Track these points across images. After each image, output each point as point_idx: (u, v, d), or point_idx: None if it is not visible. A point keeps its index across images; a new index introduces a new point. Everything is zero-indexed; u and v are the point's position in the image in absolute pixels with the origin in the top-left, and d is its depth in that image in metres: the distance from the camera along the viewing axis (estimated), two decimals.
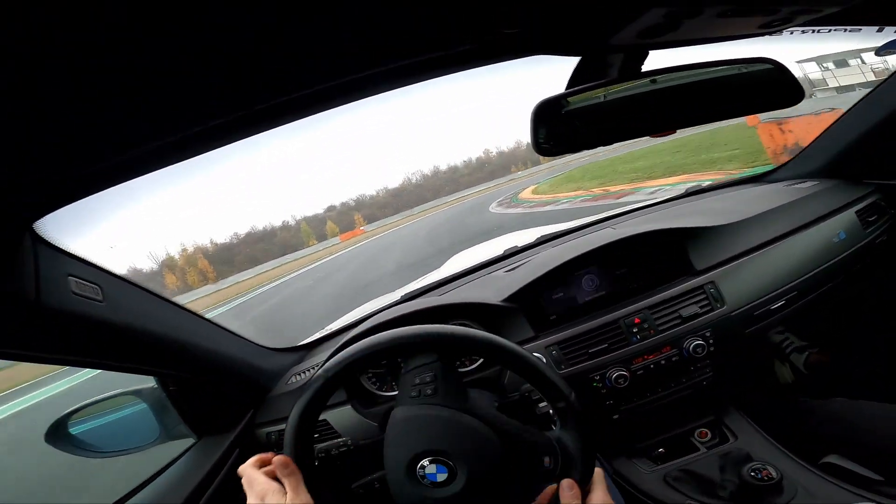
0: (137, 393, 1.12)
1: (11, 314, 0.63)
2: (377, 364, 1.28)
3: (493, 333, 0.76)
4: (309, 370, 1.30)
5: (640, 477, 1.15)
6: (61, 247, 0.71)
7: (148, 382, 1.12)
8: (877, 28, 0.84)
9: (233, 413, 1.22)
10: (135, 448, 1.13)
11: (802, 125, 6.97)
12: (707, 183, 1.97)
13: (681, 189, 1.90)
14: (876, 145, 1.37)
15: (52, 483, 4.18)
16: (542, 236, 1.74)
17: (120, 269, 0.84)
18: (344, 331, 1.50)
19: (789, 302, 1.22)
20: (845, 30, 0.81)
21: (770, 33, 0.68)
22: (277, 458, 0.70)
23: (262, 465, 0.72)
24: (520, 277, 1.33)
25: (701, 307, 1.19)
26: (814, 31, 0.81)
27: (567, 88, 0.74)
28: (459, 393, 0.76)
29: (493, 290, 1.35)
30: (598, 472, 0.73)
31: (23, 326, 0.66)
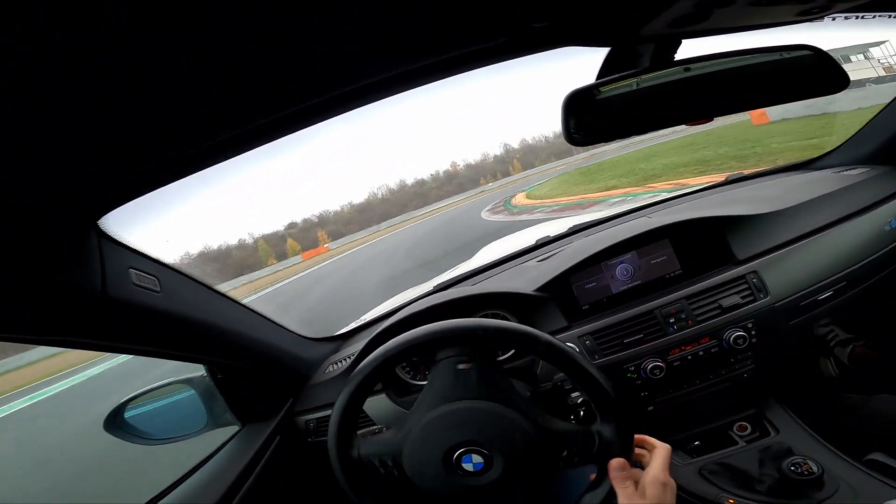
0: (189, 381, 1.20)
1: (81, 306, 0.69)
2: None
3: (526, 323, 0.78)
4: (345, 359, 1.36)
5: (675, 470, 1.13)
6: (122, 241, 0.77)
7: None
8: None
9: (274, 401, 1.29)
10: (184, 435, 1.20)
11: None
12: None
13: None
14: None
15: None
16: (574, 226, 1.75)
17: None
18: (379, 320, 1.55)
19: (837, 293, 1.19)
20: (889, 16, 0.78)
21: (809, 20, 0.67)
22: None
23: None
24: (553, 267, 1.34)
25: (743, 297, 1.17)
26: (857, 17, 0.78)
27: (596, 79, 0.76)
28: (496, 384, 0.79)
29: (526, 279, 1.37)
30: (661, 446, 0.75)
31: (91, 317, 0.72)
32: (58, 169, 0.55)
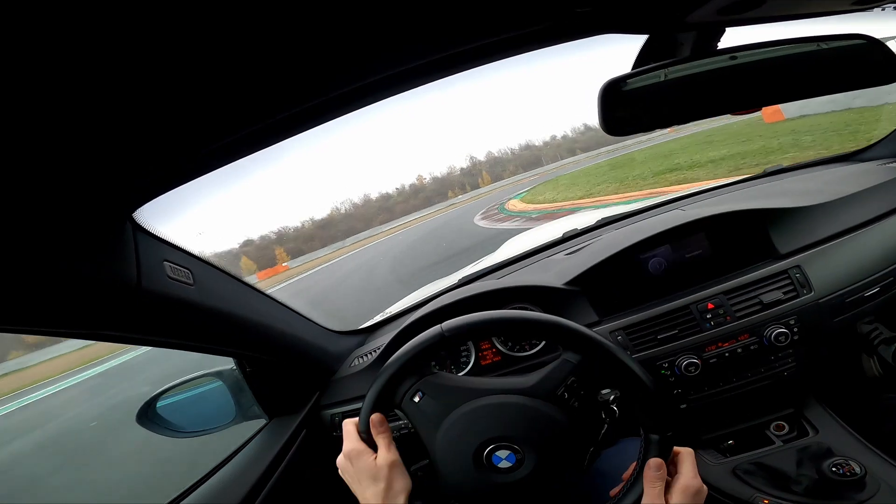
0: (219, 374, 1.22)
1: (117, 298, 0.70)
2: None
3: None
4: (370, 353, 1.37)
5: (707, 469, 1.13)
6: (156, 233, 0.78)
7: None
8: None
9: (301, 394, 1.31)
10: (214, 428, 1.23)
11: None
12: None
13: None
14: None
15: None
16: (602, 219, 1.73)
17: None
18: (403, 314, 1.56)
19: (884, 289, 1.16)
20: None
21: (865, 10, 0.65)
22: (374, 416, 0.78)
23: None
24: (583, 260, 1.33)
25: (785, 293, 1.15)
26: None
27: (634, 68, 0.75)
28: (524, 378, 0.79)
29: (554, 273, 1.36)
30: (686, 451, 0.74)
31: (126, 309, 0.73)
32: (95, 163, 0.56)
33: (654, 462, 0.71)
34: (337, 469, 0.81)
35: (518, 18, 0.62)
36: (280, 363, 1.21)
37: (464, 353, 1.34)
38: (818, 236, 1.22)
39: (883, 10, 0.74)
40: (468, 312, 0.82)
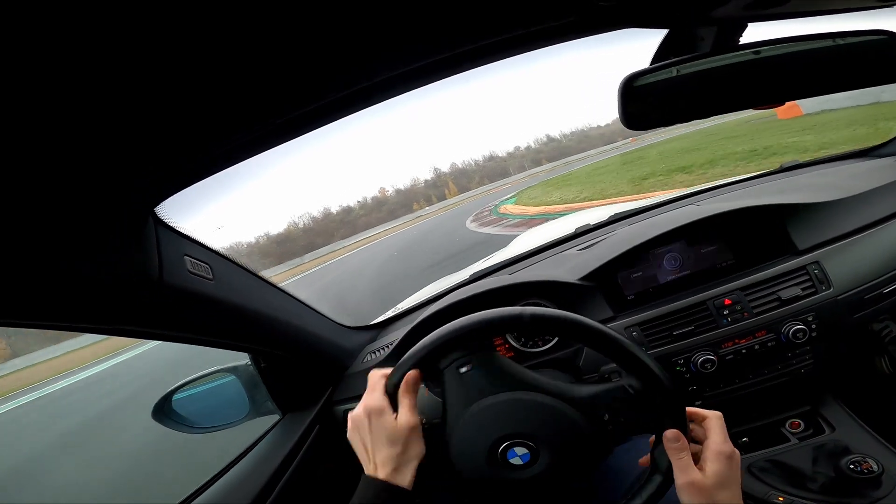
0: (234, 370, 1.23)
1: (140, 292, 0.71)
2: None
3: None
4: (383, 349, 1.38)
5: None
6: (176, 227, 0.79)
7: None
8: None
9: (314, 390, 1.33)
10: (227, 424, 1.24)
11: None
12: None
13: None
14: None
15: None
16: (615, 214, 1.73)
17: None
18: (414, 310, 1.57)
19: None
20: None
21: (889, 5, 0.66)
22: (412, 373, 0.74)
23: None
24: (597, 255, 1.34)
25: (803, 289, 1.15)
26: None
27: (652, 63, 0.75)
28: (538, 374, 0.79)
29: (568, 268, 1.37)
30: (714, 414, 0.71)
31: (148, 304, 0.75)
32: (119, 159, 0.58)
33: (670, 434, 0.68)
34: (348, 465, 0.80)
35: (542, 13, 0.63)
36: (295, 358, 1.23)
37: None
38: (837, 232, 1.22)
39: None
40: (484, 308, 0.81)
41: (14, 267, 0.54)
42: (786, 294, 1.15)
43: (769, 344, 1.14)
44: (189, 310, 0.83)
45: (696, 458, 0.68)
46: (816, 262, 1.18)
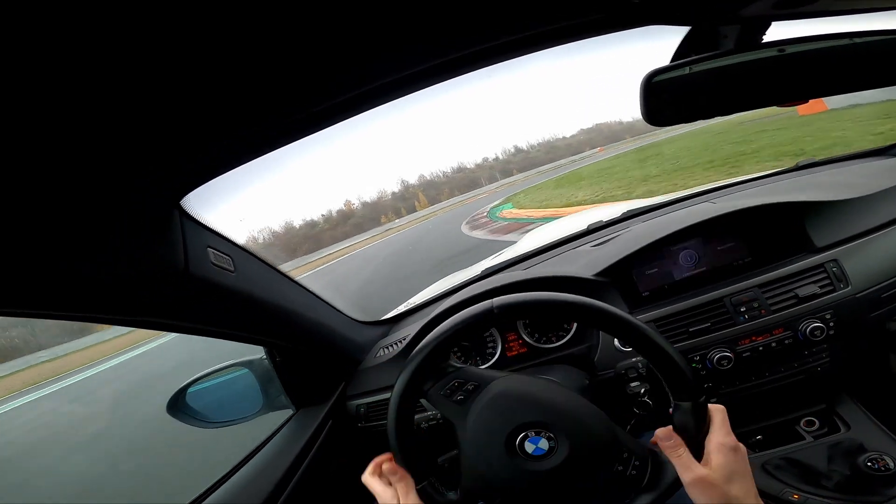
0: (249, 364, 1.25)
1: (167, 283, 0.73)
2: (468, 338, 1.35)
3: None
4: (395, 344, 1.39)
5: None
6: (200, 220, 0.81)
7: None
8: None
9: (327, 385, 1.34)
10: (242, 418, 1.26)
11: None
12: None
13: None
14: None
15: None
16: (629, 210, 1.74)
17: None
18: (427, 305, 1.59)
19: None
20: None
21: None
22: (387, 467, 0.80)
23: (378, 469, 0.82)
24: (612, 251, 1.35)
25: (821, 287, 1.16)
26: None
27: (673, 60, 0.76)
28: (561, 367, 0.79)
29: (582, 264, 1.37)
30: (715, 408, 0.71)
31: (175, 294, 0.76)
32: (146, 152, 0.59)
33: (661, 432, 0.70)
34: (361, 460, 0.83)
35: (573, 8, 0.64)
36: (310, 352, 1.24)
37: (490, 345, 1.37)
38: (855, 230, 1.22)
39: None
40: None
41: (46, 260, 0.55)
42: (803, 292, 1.16)
43: (786, 341, 1.15)
44: (211, 301, 0.85)
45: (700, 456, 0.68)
46: (835, 260, 1.18)
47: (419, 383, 0.80)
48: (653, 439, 0.74)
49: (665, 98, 0.76)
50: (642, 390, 1.13)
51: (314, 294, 1.21)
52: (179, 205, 0.75)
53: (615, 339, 1.21)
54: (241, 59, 0.49)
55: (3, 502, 5.26)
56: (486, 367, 1.33)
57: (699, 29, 0.76)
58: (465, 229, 16.58)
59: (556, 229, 2.18)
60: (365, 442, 1.32)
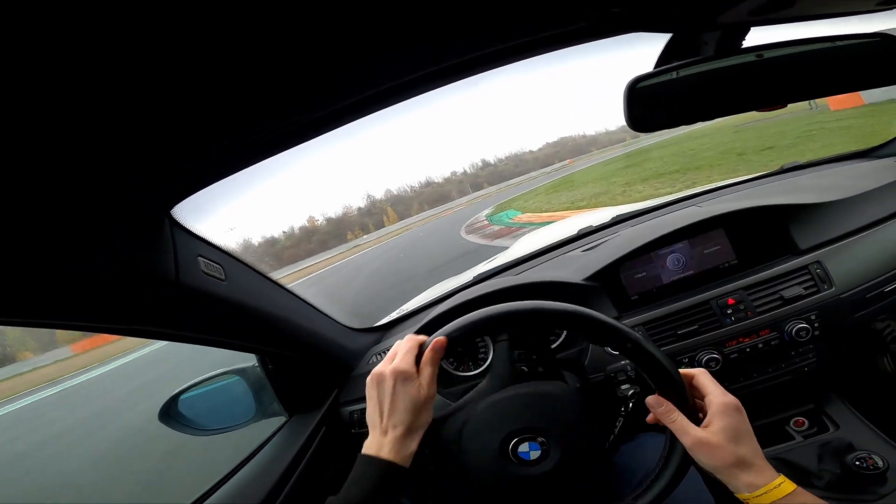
0: (241, 371, 1.25)
1: (157, 293, 0.73)
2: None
3: None
4: (388, 350, 1.39)
5: None
6: (190, 229, 0.81)
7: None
8: None
9: (320, 392, 1.34)
10: (235, 426, 1.25)
11: None
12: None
13: None
14: None
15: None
16: (617, 216, 1.76)
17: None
18: (419, 311, 1.59)
19: None
20: None
21: (889, 8, 0.69)
22: (442, 340, 0.74)
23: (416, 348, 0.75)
24: (601, 256, 1.36)
25: (805, 288, 1.18)
26: None
27: (656, 67, 0.78)
28: (555, 370, 0.81)
29: (572, 269, 1.38)
30: (698, 371, 0.72)
31: (165, 303, 0.77)
32: (136, 163, 0.60)
33: (651, 399, 0.70)
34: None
35: (555, 18, 0.65)
36: (302, 360, 1.24)
37: (482, 350, 1.38)
38: (838, 232, 1.24)
39: None
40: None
41: (35, 268, 0.56)
42: (788, 293, 1.17)
43: (773, 343, 1.16)
44: (202, 310, 0.85)
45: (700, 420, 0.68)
46: (818, 262, 1.20)
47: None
48: (648, 418, 0.73)
49: (649, 104, 0.78)
50: (630, 392, 1.14)
51: (306, 302, 1.22)
52: (170, 214, 0.76)
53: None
54: (227, 72, 0.50)
55: None
56: (478, 372, 1.36)
57: (681, 36, 0.77)
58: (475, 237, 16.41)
59: (548, 234, 2.21)
60: (359, 448, 1.31)
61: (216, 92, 0.53)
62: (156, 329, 0.82)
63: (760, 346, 1.17)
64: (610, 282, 1.32)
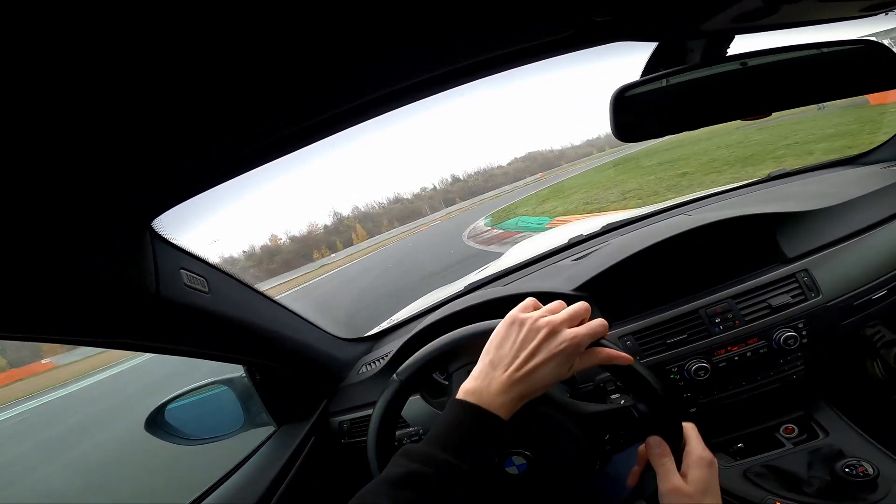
0: (229, 382, 1.24)
1: (137, 305, 0.72)
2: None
3: None
4: (378, 360, 1.39)
5: (718, 472, 1.15)
6: (172, 241, 0.81)
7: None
8: None
9: (309, 402, 1.33)
10: (222, 435, 1.25)
11: None
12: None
13: None
14: None
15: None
16: (608, 224, 1.76)
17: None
18: (409, 322, 1.58)
19: (892, 291, 1.19)
20: None
21: (872, 15, 0.69)
22: (623, 355, 0.69)
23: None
24: (592, 266, 1.36)
25: (793, 297, 1.18)
26: None
27: (643, 75, 0.78)
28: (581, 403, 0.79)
29: (563, 279, 1.38)
30: (688, 425, 0.73)
31: (145, 317, 0.76)
32: (116, 173, 0.59)
33: (653, 440, 0.70)
34: (345, 476, 0.79)
35: (540, 28, 0.65)
36: (290, 370, 1.23)
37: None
38: (825, 240, 1.25)
39: (886, 14, 0.78)
40: (479, 320, 0.82)
41: (10, 280, 0.55)
42: (776, 302, 1.17)
43: (761, 351, 1.16)
44: (186, 323, 0.84)
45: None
46: (805, 270, 1.20)
47: (401, 401, 0.81)
48: (641, 448, 0.74)
49: (634, 113, 0.78)
50: (623, 402, 1.13)
51: (293, 312, 1.21)
52: (150, 226, 0.75)
53: None
54: (207, 83, 0.49)
55: None
56: None
57: (666, 44, 0.78)
58: None
59: (539, 243, 2.21)
60: (349, 458, 1.30)
61: (197, 104, 0.53)
62: (138, 342, 0.81)
63: (749, 354, 1.16)
64: (600, 292, 1.31)
